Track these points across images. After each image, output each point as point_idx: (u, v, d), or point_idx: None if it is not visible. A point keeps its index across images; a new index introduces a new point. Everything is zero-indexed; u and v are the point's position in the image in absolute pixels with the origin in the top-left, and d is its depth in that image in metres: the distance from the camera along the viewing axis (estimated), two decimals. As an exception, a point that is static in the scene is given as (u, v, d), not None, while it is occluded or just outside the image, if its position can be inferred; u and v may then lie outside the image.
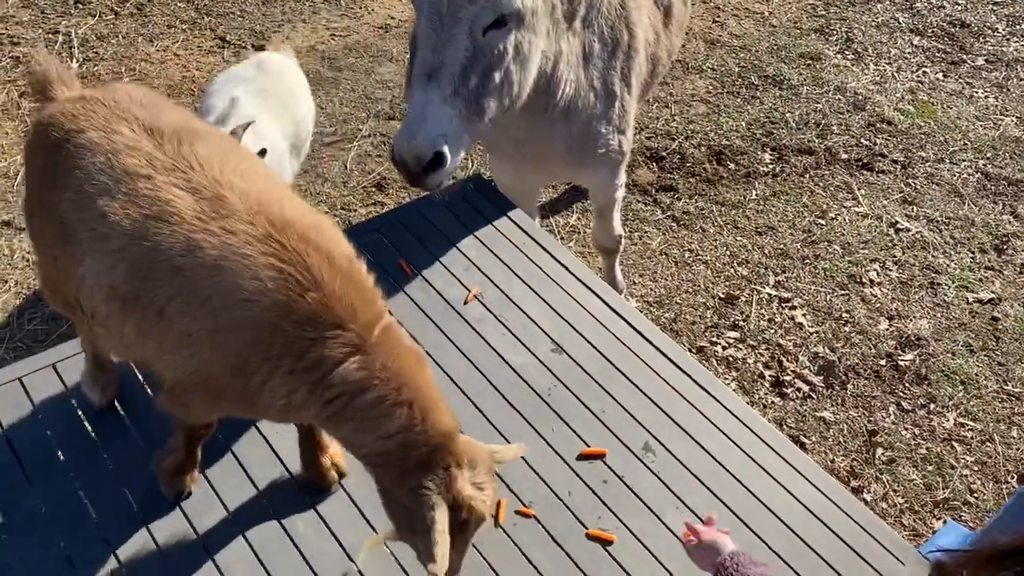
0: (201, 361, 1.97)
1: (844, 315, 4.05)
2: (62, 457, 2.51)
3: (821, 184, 4.73)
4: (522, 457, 2.56)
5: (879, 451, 3.53)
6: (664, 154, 4.82)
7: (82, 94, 2.18)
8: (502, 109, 2.46)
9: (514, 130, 2.83)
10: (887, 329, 4.00)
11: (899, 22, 5.93)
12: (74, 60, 5.12)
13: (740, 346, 3.90)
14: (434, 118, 2.24)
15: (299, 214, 1.97)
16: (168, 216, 1.89)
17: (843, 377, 3.80)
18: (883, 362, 3.86)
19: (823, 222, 4.52)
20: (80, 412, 2.61)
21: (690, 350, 3.82)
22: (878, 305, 4.11)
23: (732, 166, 4.79)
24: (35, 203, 2.22)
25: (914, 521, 3.31)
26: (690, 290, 4.15)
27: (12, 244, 4.08)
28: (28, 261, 3.98)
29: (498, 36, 2.32)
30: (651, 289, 4.15)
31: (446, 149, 2.30)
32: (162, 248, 1.89)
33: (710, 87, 5.33)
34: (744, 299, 4.11)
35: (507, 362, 2.83)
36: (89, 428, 2.58)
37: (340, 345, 1.86)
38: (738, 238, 4.41)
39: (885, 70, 5.52)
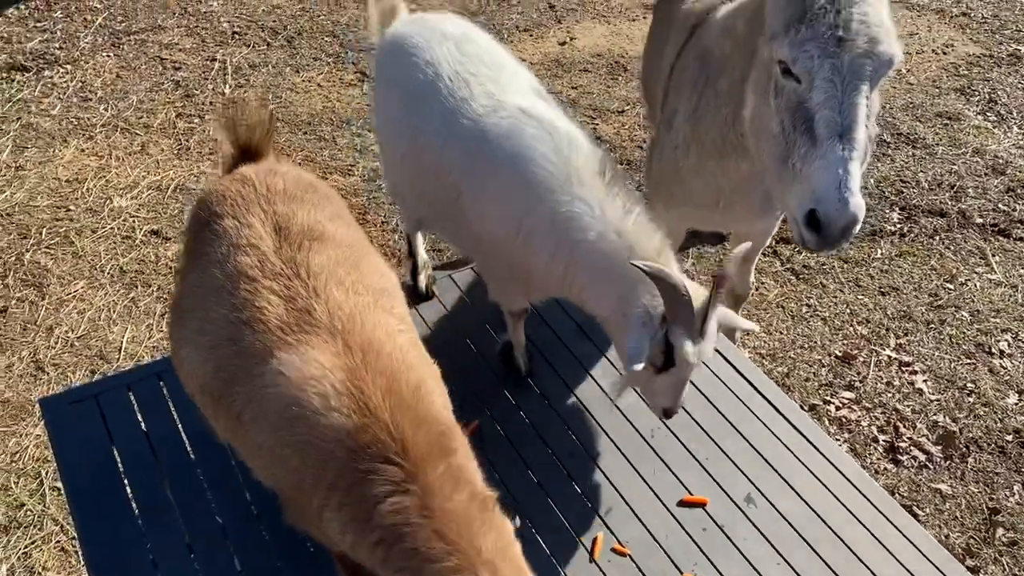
0: (270, 474, 1.92)
1: (969, 385, 3.88)
2: (191, 452, 2.68)
3: (952, 248, 4.56)
4: (621, 496, 2.59)
5: (1000, 531, 3.35)
6: (787, 207, 4.76)
7: (244, 173, 2.18)
8: None
9: (732, 176, 2.83)
10: (1016, 403, 3.80)
11: (1048, 85, 5.69)
12: (227, 86, 5.50)
13: (855, 407, 3.79)
14: (855, 181, 2.18)
15: (385, 336, 1.86)
16: (256, 323, 1.84)
17: (964, 449, 3.63)
18: (1009, 438, 3.67)
19: (951, 287, 4.35)
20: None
21: (801, 407, 3.73)
22: (1007, 378, 3.91)
23: (857, 223, 4.67)
24: (182, 267, 2.23)
25: (1034, 609, 3.12)
26: (806, 346, 4.07)
27: (158, 251, 4.38)
28: (171, 268, 4.27)
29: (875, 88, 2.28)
30: (765, 341, 4.09)
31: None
32: (245, 354, 1.84)
33: (839, 142, 5.22)
34: (862, 360, 3.99)
35: (612, 401, 2.86)
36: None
37: (384, 481, 1.69)
38: (859, 296, 4.30)
39: (1029, 134, 5.30)
